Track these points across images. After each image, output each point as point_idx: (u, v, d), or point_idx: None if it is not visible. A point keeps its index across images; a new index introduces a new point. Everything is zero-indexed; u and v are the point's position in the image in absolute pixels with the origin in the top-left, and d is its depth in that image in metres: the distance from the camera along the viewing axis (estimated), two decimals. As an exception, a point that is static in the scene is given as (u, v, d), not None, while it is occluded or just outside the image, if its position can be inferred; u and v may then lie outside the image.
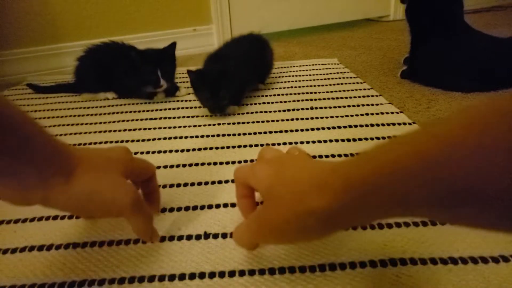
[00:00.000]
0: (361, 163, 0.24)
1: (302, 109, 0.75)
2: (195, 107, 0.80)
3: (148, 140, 0.65)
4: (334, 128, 0.66)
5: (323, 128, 0.66)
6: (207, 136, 0.66)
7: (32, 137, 0.29)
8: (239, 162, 0.56)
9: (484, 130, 0.17)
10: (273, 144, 0.61)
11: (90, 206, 0.32)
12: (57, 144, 0.31)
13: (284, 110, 0.75)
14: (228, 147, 0.61)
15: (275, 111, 0.75)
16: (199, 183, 0.51)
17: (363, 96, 0.80)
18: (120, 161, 0.36)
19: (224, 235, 0.40)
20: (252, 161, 0.56)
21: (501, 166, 0.16)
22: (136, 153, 0.61)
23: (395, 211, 0.23)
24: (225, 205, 0.46)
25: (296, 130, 0.65)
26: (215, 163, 0.56)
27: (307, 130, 0.66)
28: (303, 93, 0.84)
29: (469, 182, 0.17)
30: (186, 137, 0.66)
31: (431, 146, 0.19)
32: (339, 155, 0.55)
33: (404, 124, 0.65)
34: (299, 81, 0.94)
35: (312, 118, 0.70)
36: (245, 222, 0.33)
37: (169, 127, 0.70)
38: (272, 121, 0.70)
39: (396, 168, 0.21)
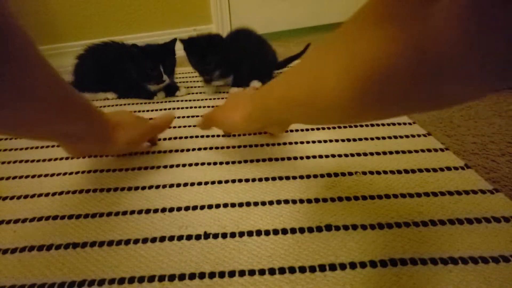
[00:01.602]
0: (261, 96, 0.45)
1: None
2: (195, 107, 0.80)
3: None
4: (334, 128, 0.65)
5: (323, 128, 0.66)
6: (207, 136, 0.65)
7: (92, 115, 0.46)
8: (239, 162, 0.56)
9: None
10: (273, 144, 0.61)
11: (128, 147, 0.55)
12: (104, 117, 0.49)
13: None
14: (228, 147, 0.61)
15: (275, 111, 0.75)
16: (199, 183, 0.51)
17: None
18: (140, 126, 0.55)
19: (224, 235, 0.40)
20: (252, 161, 0.56)
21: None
22: (136, 153, 0.61)
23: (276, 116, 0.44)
24: (225, 205, 0.46)
25: (296, 130, 0.65)
26: (215, 163, 0.56)
27: (307, 130, 0.65)
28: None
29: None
30: (186, 137, 0.65)
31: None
32: (339, 155, 0.55)
33: (404, 124, 0.65)
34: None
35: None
36: (209, 111, 0.58)
37: (169, 127, 0.70)
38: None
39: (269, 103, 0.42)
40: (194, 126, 0.70)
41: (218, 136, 0.65)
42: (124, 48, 0.86)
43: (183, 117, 0.75)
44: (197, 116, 0.75)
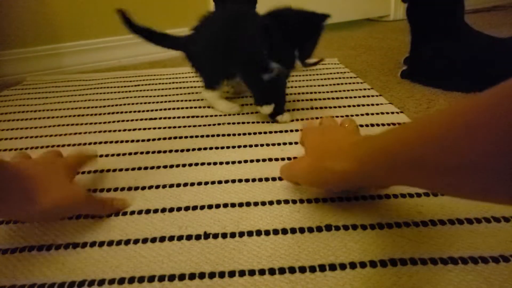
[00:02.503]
0: (368, 145, 0.34)
1: (302, 109, 0.75)
2: (195, 107, 0.80)
3: (148, 140, 0.65)
4: (334, 128, 0.65)
5: (323, 128, 0.66)
6: (207, 136, 0.65)
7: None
8: (239, 162, 0.56)
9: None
10: (273, 145, 0.61)
11: (53, 216, 0.43)
12: (15, 177, 0.37)
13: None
14: (228, 147, 0.61)
15: (275, 111, 0.75)
16: (199, 183, 0.50)
17: (363, 96, 0.80)
18: (64, 167, 0.44)
19: (224, 235, 0.40)
20: (252, 161, 0.56)
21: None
22: (136, 153, 0.61)
23: (387, 180, 0.35)
24: (225, 205, 0.46)
25: (296, 130, 0.65)
26: (215, 163, 0.56)
27: (307, 130, 0.65)
28: (303, 93, 0.84)
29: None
30: (186, 137, 0.65)
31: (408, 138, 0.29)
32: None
33: (404, 124, 0.65)
34: (299, 81, 0.94)
35: (312, 118, 0.70)
36: (288, 163, 0.46)
37: (169, 127, 0.70)
38: (273, 121, 0.70)
39: (388, 154, 0.31)
40: (195, 126, 0.70)
41: (218, 136, 0.65)
42: None
43: (183, 117, 0.75)
44: (197, 116, 0.75)
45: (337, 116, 0.70)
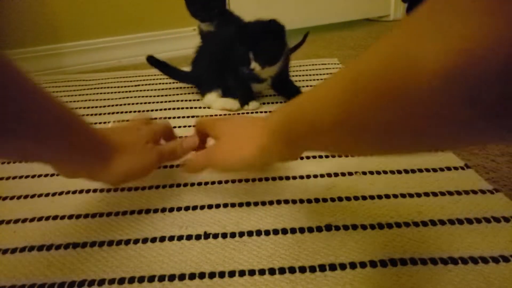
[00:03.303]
0: (287, 118, 0.35)
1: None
2: (195, 107, 0.80)
3: (148, 140, 0.65)
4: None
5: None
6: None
7: (81, 132, 0.37)
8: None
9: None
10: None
11: (125, 180, 0.44)
12: (96, 133, 0.40)
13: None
14: (228, 147, 0.60)
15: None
16: (199, 183, 0.51)
17: (363, 96, 0.80)
18: (146, 135, 0.45)
19: (224, 235, 0.40)
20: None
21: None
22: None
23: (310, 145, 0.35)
24: (225, 205, 0.46)
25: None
26: (215, 163, 0.56)
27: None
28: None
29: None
30: (185, 137, 0.65)
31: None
32: (339, 155, 0.55)
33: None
34: (299, 81, 0.94)
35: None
36: (203, 152, 0.46)
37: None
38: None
39: (298, 119, 0.32)
40: (195, 126, 0.70)
41: (218, 136, 0.65)
42: None
43: (183, 117, 0.75)
44: (197, 116, 0.75)
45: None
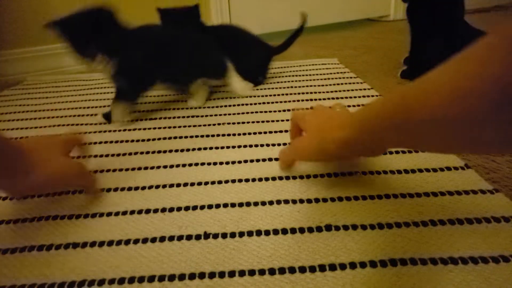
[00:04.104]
0: (365, 113, 0.36)
1: (302, 109, 0.75)
2: (195, 107, 0.80)
3: (148, 140, 0.65)
4: (334, 128, 0.65)
5: (323, 128, 0.66)
6: (207, 136, 0.65)
7: None
8: (239, 162, 0.56)
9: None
10: (273, 145, 0.61)
11: (47, 188, 0.46)
12: (11, 145, 0.38)
13: (284, 110, 0.75)
14: (228, 147, 0.61)
15: (275, 111, 0.75)
16: (199, 183, 0.50)
17: (363, 96, 0.80)
18: (58, 144, 0.45)
19: (224, 235, 0.40)
20: (252, 161, 0.56)
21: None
22: (136, 153, 0.61)
23: (387, 139, 0.35)
24: (225, 205, 0.46)
25: (296, 130, 0.65)
26: (215, 163, 0.56)
27: (307, 130, 0.65)
28: (303, 93, 0.84)
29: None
30: (186, 137, 0.65)
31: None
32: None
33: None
34: (299, 81, 0.94)
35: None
36: (288, 146, 0.51)
37: (169, 127, 0.70)
38: (272, 121, 0.70)
39: (381, 120, 0.33)
40: (195, 126, 0.70)
41: (218, 136, 0.65)
42: None
43: (183, 117, 0.75)
44: (197, 116, 0.75)
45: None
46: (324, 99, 0.80)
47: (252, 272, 0.35)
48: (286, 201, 0.46)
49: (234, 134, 0.65)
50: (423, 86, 0.27)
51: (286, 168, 0.52)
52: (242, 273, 0.35)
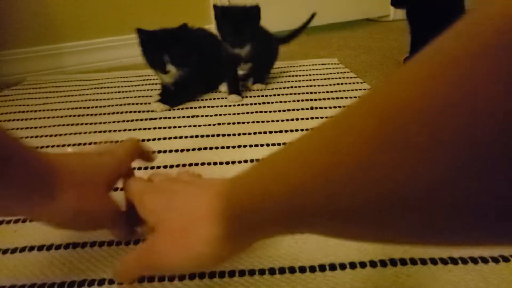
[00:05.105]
0: (240, 187, 0.24)
1: (302, 109, 0.75)
2: (194, 107, 0.80)
3: (148, 140, 0.65)
4: (334, 128, 0.65)
5: (323, 128, 0.66)
6: (207, 136, 0.66)
7: (14, 156, 0.28)
8: (239, 162, 0.56)
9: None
10: (273, 145, 0.61)
11: (73, 224, 0.33)
12: (39, 160, 0.30)
13: (284, 110, 0.75)
14: (228, 147, 0.61)
15: (275, 111, 0.75)
16: (199, 183, 0.50)
17: (363, 96, 0.80)
18: (107, 169, 0.34)
19: (224, 235, 0.40)
20: (252, 161, 0.56)
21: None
22: (136, 153, 0.61)
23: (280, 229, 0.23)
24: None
25: (296, 130, 0.65)
26: (214, 163, 0.56)
27: (307, 130, 0.65)
28: (303, 93, 0.84)
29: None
30: (186, 137, 0.66)
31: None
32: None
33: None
34: (299, 81, 0.94)
35: (312, 118, 0.70)
36: (134, 253, 0.29)
37: (168, 127, 0.70)
38: (272, 121, 0.70)
39: (265, 197, 0.21)
40: (195, 126, 0.70)
41: (218, 135, 0.65)
42: None
43: (183, 117, 0.75)
44: (197, 116, 0.75)
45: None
46: (324, 99, 0.80)
47: (252, 272, 0.35)
48: (286, 201, 0.45)
49: (234, 134, 0.65)
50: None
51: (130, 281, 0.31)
52: (242, 273, 0.35)
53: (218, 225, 0.24)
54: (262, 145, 0.60)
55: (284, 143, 0.61)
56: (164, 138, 0.65)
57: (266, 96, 0.84)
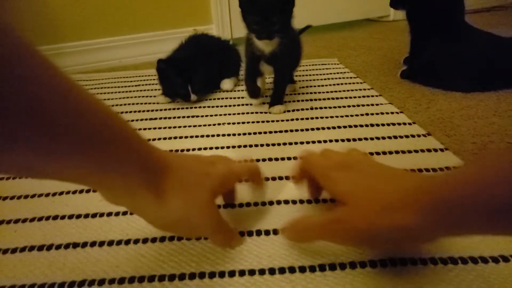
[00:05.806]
0: (443, 183, 0.27)
1: (302, 109, 0.75)
2: (194, 108, 0.80)
3: (154, 139, 0.65)
4: (334, 128, 0.66)
5: (323, 128, 0.66)
6: (207, 136, 0.66)
7: (126, 144, 0.28)
8: (239, 162, 0.55)
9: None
10: (273, 145, 0.61)
11: (174, 229, 0.35)
12: (146, 153, 0.30)
13: (283, 111, 0.75)
14: (228, 147, 0.61)
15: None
16: (199, 183, 0.50)
17: (363, 96, 0.80)
18: (214, 178, 0.35)
19: (224, 235, 0.40)
20: (258, 160, 0.56)
21: None
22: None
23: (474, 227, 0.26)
24: (225, 206, 0.46)
25: (296, 130, 0.65)
26: (215, 163, 0.56)
27: (307, 130, 0.66)
28: (303, 93, 0.84)
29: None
30: (186, 137, 0.66)
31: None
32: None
33: (404, 124, 0.65)
34: (299, 81, 0.94)
35: (312, 118, 0.70)
36: (319, 220, 0.33)
37: (169, 127, 0.70)
38: (272, 121, 0.70)
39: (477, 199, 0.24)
40: (195, 126, 0.70)
41: (218, 135, 0.65)
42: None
43: (183, 117, 0.75)
44: (197, 116, 0.75)
45: (331, 117, 0.70)
46: (324, 99, 0.80)
47: (252, 272, 0.35)
48: (286, 201, 0.46)
49: (234, 134, 0.65)
50: None
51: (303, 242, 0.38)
52: (242, 273, 0.35)
53: (419, 216, 0.27)
54: (262, 145, 0.60)
55: (284, 143, 0.61)
56: (165, 138, 0.65)
57: (266, 96, 0.84)
